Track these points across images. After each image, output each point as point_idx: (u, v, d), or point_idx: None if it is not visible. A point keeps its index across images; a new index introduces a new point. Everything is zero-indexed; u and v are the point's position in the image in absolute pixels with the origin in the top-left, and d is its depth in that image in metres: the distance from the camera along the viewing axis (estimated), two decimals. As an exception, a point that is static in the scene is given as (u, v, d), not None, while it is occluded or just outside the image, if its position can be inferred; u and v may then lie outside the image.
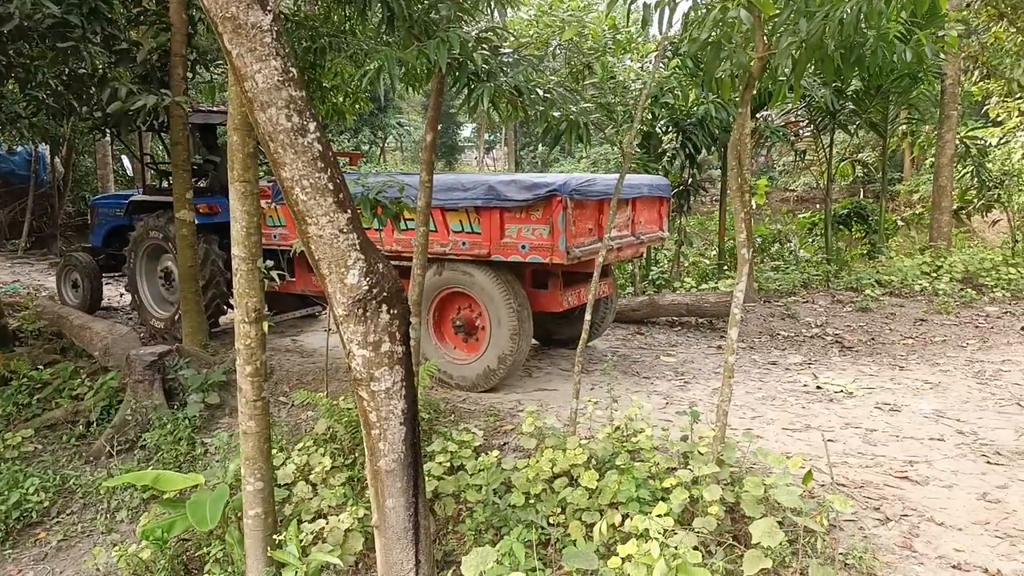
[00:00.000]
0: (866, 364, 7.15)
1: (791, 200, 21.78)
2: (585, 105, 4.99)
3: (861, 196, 18.20)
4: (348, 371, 3.10)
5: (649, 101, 10.44)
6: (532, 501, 3.88)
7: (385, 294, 2.96)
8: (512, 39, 12.32)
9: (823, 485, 4.07)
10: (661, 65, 10.17)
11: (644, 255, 10.37)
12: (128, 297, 9.14)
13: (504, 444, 4.80)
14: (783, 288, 10.43)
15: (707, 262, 12.52)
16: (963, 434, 5.19)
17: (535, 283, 6.66)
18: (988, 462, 4.72)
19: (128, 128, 8.14)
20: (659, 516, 3.26)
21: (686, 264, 12.30)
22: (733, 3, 3.80)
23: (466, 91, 4.25)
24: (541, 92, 4.61)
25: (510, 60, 4.60)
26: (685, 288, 10.30)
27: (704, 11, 4.09)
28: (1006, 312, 8.89)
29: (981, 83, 15.41)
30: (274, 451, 4.74)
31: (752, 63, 3.91)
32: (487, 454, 4.22)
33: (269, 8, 2.79)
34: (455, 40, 3.80)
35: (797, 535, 3.46)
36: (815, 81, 10.47)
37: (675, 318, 8.94)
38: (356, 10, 4.17)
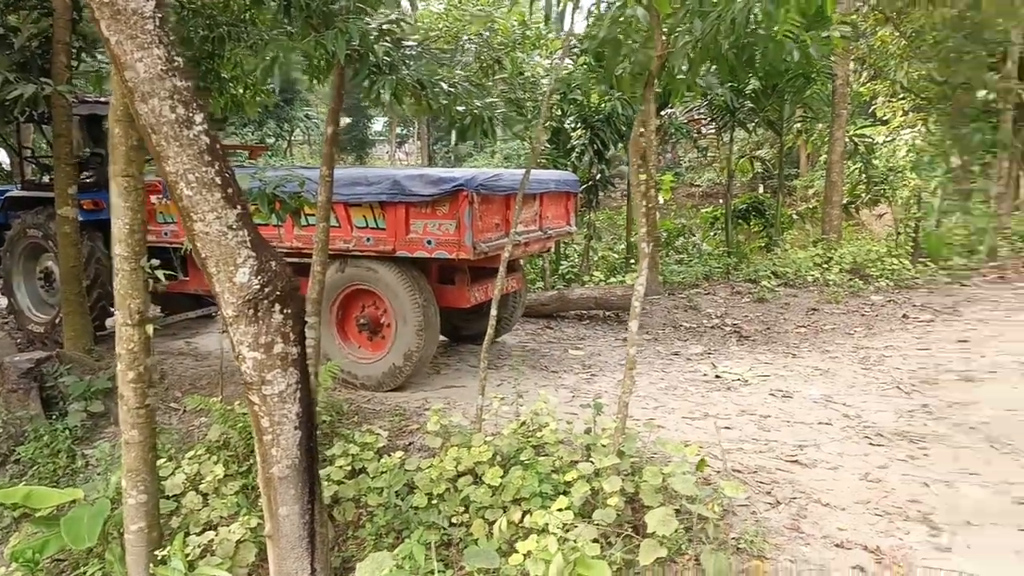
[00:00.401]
0: (762, 353, 7.45)
1: (696, 195, 22.48)
2: (490, 100, 4.97)
3: (761, 191, 18.97)
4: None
5: (558, 97, 10.53)
6: (435, 502, 3.83)
7: (278, 293, 2.86)
8: (421, 31, 12.18)
9: (719, 472, 4.20)
10: (569, 62, 10.26)
11: (552, 250, 10.47)
12: (3, 301, 8.51)
13: (409, 444, 4.73)
14: (686, 280, 10.75)
15: (615, 256, 12.76)
16: (848, 417, 5.48)
17: (442, 279, 6.60)
18: (871, 443, 4.99)
19: (5, 119, 7.61)
20: (559, 510, 3.28)
21: (595, 258, 12.49)
22: (631, 2, 3.85)
23: (367, 84, 4.15)
24: (445, 86, 4.55)
25: (414, 53, 4.53)
26: (594, 282, 10.47)
27: (605, 8, 4.13)
28: (889, 300, 9.46)
29: (869, 84, 16.29)
30: (162, 460, 4.52)
31: (651, 61, 3.98)
32: (390, 455, 4.14)
33: (153, -8, 2.64)
34: (355, 31, 3.69)
35: (692, 522, 3.55)
36: (715, 80, 10.82)
37: (584, 312, 9.06)
38: (251, -2, 4.00)
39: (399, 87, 4.10)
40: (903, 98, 15.61)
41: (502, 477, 3.69)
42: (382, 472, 3.97)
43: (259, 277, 2.79)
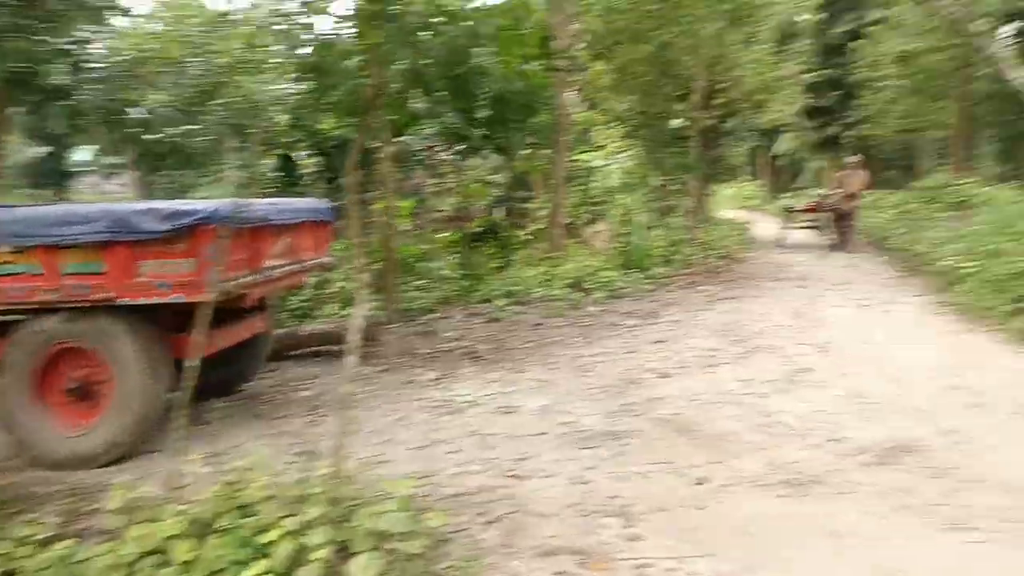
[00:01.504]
0: (492, 371, 7.75)
1: (440, 220, 22.96)
2: (191, 127, 4.61)
3: (496, 214, 19.89)
4: None
5: (286, 123, 10.21)
6: (110, 595, 3.31)
7: None
8: (128, 52, 11.04)
9: (439, 499, 4.24)
10: (291, 88, 9.99)
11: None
12: None
13: (85, 529, 4.18)
14: (425, 306, 10.90)
15: (352, 287, 12.53)
16: (565, 424, 5.85)
17: (174, 326, 5.77)
18: (582, 447, 5.35)
19: None
20: (254, 578, 3.04)
21: (332, 290, 12.18)
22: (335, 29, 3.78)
23: (36, 110, 3.59)
24: (142, 112, 4.09)
25: (100, 76, 4.01)
26: (329, 316, 10.18)
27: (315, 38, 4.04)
28: (604, 310, 10.40)
29: (587, 113, 17.90)
30: None
31: (364, 89, 3.93)
32: (55, 546, 3.57)
33: None
34: (15, 51, 3.15)
35: (401, 561, 3.49)
36: (447, 109, 11.19)
37: (317, 348, 8.78)
38: None
39: (77, 114, 3.60)
40: (615, 126, 17.37)
41: (196, 550, 3.36)
42: (43, 568, 3.42)
43: None
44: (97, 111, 3.48)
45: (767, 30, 17.35)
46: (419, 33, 3.77)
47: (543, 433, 5.68)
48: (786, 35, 24.68)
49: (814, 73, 24.95)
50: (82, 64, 3.58)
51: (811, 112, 27.01)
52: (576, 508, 4.35)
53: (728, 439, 5.32)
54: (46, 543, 3.71)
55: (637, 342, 8.44)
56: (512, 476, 4.85)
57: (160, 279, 5.28)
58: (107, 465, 5.34)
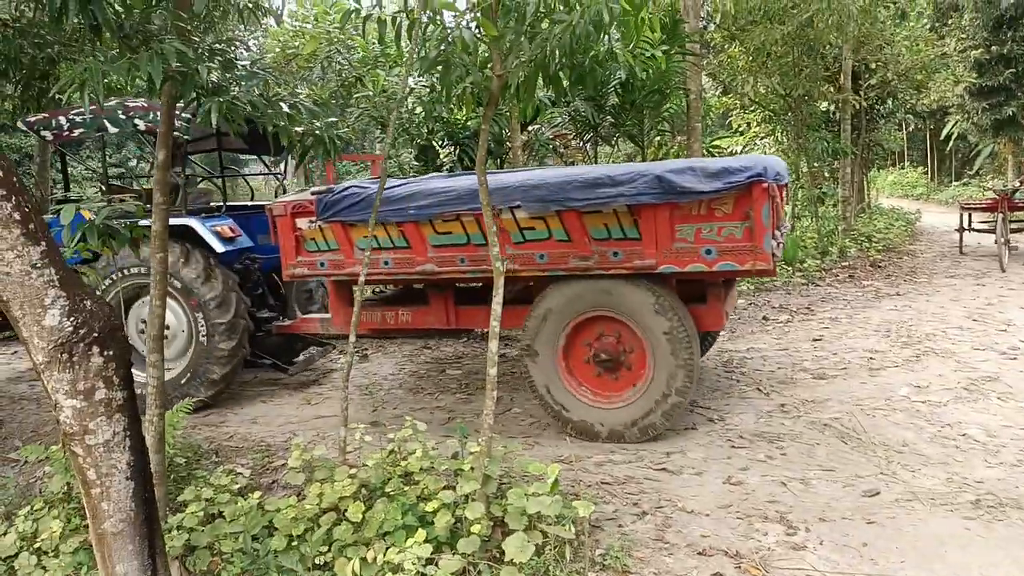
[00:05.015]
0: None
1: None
2: (331, 120, 4.48)
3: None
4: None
5: (423, 115, 10.22)
6: (296, 543, 3.44)
7: (96, 334, 2.53)
8: (278, 51, 11.56)
9: (589, 486, 4.18)
10: (420, 79, 9.75)
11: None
12: None
13: (273, 483, 4.48)
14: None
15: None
16: (712, 421, 5.34)
17: (690, 297, 5.26)
18: (733, 446, 4.88)
19: None
20: (417, 544, 3.16)
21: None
22: (457, 23, 3.83)
23: (196, 106, 3.89)
24: (285, 107, 4.14)
25: (244, 73, 4.11)
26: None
27: (432, 31, 4.01)
28: (751, 303, 8.92)
29: (722, 98, 16.92)
30: (-5, 519, 4.23)
31: (490, 82, 3.82)
32: (250, 496, 3.80)
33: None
34: (171, 52, 3.38)
35: (553, 543, 3.41)
36: (578, 97, 10.59)
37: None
38: (50, 15, 3.64)
39: (229, 109, 3.77)
40: (753, 110, 16.03)
41: (365, 512, 3.42)
42: (240, 515, 3.61)
43: (72, 318, 2.49)
44: (249, 105, 3.64)
45: (922, 3, 16.34)
46: (539, 23, 3.56)
47: (690, 429, 5.25)
48: (946, 8, 23.25)
49: (980, 50, 22.45)
50: (231, 62, 3.78)
51: (982, 91, 23.53)
52: (730, 510, 3.93)
53: (899, 450, 4.69)
54: (242, 492, 4.04)
55: (789, 339, 7.41)
56: (661, 469, 4.53)
57: (705, 245, 4.67)
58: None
